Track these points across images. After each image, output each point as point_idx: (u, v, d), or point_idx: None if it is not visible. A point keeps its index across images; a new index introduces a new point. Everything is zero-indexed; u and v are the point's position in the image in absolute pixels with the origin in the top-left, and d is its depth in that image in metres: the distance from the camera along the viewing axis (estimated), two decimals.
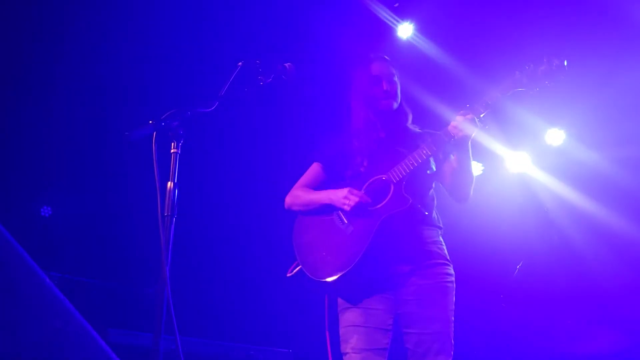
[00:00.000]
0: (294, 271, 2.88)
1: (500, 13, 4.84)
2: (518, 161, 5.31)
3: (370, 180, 2.88)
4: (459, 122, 2.78)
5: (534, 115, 4.99)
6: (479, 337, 4.94)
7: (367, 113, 2.98)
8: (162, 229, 2.12)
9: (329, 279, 2.74)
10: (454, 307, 2.79)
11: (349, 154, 2.98)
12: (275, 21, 5.26)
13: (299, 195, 3.02)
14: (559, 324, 5.02)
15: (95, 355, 1.64)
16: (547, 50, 2.79)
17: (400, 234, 2.80)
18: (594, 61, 4.49)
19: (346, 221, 2.84)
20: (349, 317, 2.81)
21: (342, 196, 2.83)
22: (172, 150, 2.21)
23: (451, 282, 2.82)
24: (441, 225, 2.96)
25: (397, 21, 5.18)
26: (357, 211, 2.81)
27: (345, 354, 2.78)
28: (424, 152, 2.81)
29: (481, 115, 2.80)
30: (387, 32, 5.24)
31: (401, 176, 2.80)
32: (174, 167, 2.20)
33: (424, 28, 5.16)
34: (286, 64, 2.58)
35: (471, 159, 2.88)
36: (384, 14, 5.13)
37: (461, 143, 2.82)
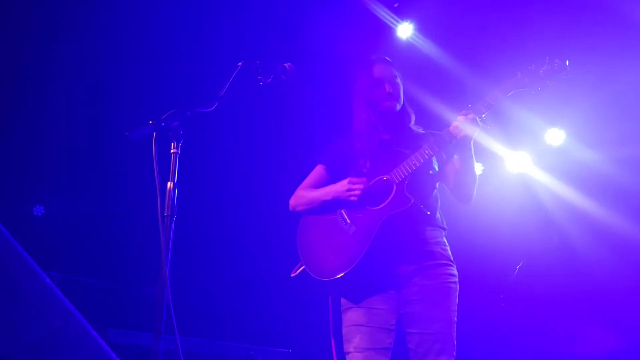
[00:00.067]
0: (298, 271, 2.89)
1: (500, 13, 4.84)
2: (518, 161, 5.31)
3: (373, 180, 2.89)
4: (461, 122, 2.79)
5: (534, 115, 4.99)
6: (478, 337, 4.94)
7: (368, 115, 2.99)
8: (162, 229, 2.12)
9: (332, 278, 2.75)
10: (456, 307, 2.80)
11: (352, 156, 2.99)
12: (274, 21, 5.26)
13: (302, 196, 3.04)
14: (559, 324, 5.01)
15: (95, 355, 1.64)
16: (548, 50, 2.80)
17: (402, 233, 2.81)
18: (594, 61, 4.49)
19: (349, 221, 2.86)
20: (352, 317, 2.82)
21: (344, 189, 2.85)
22: (172, 150, 2.21)
23: (454, 282, 2.83)
24: (445, 227, 2.97)
25: (397, 21, 5.18)
26: (362, 202, 2.82)
27: (348, 353, 2.79)
28: (426, 152, 2.81)
29: (483, 115, 2.81)
30: (386, 32, 5.24)
31: (403, 176, 2.81)
32: (174, 167, 2.21)
33: (423, 28, 5.16)
34: (286, 64, 2.59)
35: (474, 160, 2.89)
36: (384, 14, 5.13)
37: (463, 143, 2.83)
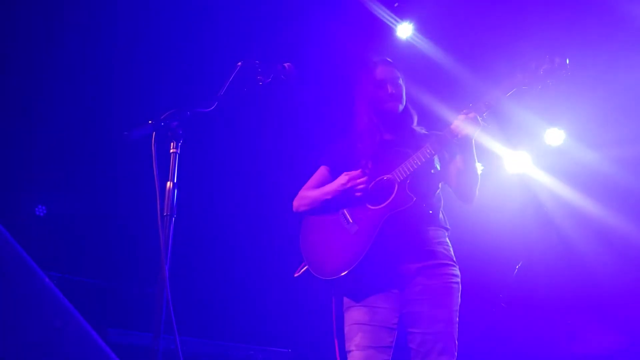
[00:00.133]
0: (301, 271, 2.90)
1: (500, 12, 4.84)
2: (518, 161, 5.31)
3: (375, 180, 2.89)
4: (462, 121, 2.81)
5: (533, 115, 4.99)
6: (479, 337, 4.93)
7: (371, 116, 3.00)
8: (161, 228, 2.12)
9: (334, 277, 2.77)
10: (458, 308, 2.80)
11: (354, 156, 3.00)
12: (274, 21, 5.26)
13: (305, 197, 3.05)
14: (559, 324, 5.01)
15: (95, 355, 1.63)
16: (548, 49, 2.80)
17: (404, 232, 2.82)
18: (594, 61, 4.49)
19: (351, 220, 2.87)
20: (354, 315, 2.83)
21: (342, 182, 2.86)
22: (171, 150, 2.21)
23: (456, 282, 2.84)
24: (448, 227, 2.97)
25: (397, 21, 5.18)
26: (364, 202, 2.83)
27: (350, 351, 2.80)
28: (428, 151, 2.82)
29: (484, 114, 2.82)
30: (386, 32, 5.24)
31: (405, 175, 2.82)
32: (174, 167, 2.20)
33: (423, 28, 5.16)
34: (285, 64, 2.59)
35: (476, 159, 2.89)
36: (384, 14, 5.13)
37: (465, 142, 2.84)
